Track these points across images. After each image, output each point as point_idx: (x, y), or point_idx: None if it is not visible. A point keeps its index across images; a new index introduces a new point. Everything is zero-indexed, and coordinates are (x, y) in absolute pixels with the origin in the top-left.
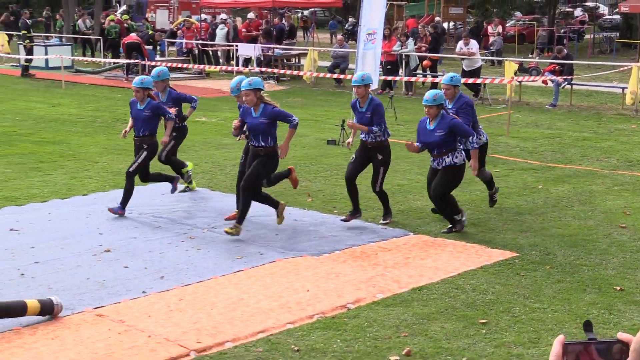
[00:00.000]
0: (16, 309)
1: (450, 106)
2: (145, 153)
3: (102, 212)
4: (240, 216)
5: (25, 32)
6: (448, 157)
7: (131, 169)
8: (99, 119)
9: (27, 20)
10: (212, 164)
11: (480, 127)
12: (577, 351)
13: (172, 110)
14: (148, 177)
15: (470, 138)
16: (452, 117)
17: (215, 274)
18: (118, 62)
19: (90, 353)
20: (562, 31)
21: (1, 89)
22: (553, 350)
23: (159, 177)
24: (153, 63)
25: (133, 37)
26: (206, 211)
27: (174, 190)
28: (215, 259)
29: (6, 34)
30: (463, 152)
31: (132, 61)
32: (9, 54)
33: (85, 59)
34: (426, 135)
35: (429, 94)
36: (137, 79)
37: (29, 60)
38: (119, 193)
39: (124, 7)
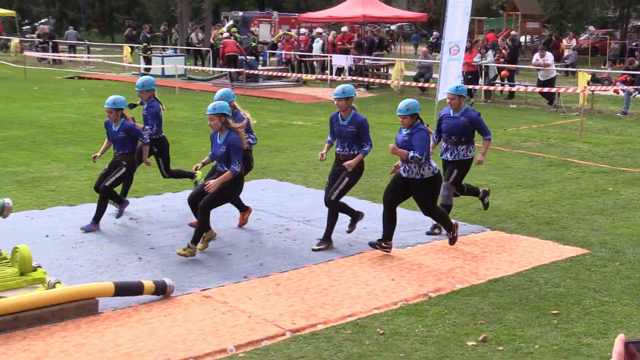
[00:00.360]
0: (135, 288)
1: (457, 115)
2: (123, 170)
3: None
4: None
5: (146, 44)
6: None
7: (107, 184)
8: (206, 123)
9: (147, 35)
10: (307, 164)
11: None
12: (637, 349)
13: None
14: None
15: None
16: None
17: (309, 263)
18: (224, 71)
19: (198, 330)
20: (633, 44)
21: (125, 95)
22: (615, 349)
23: (113, 196)
24: (256, 72)
25: (231, 49)
26: (302, 206)
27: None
28: (310, 248)
29: (129, 46)
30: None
31: (235, 70)
32: (131, 63)
33: (196, 68)
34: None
35: (402, 103)
36: (110, 99)
37: (147, 69)
38: None
39: (231, 22)
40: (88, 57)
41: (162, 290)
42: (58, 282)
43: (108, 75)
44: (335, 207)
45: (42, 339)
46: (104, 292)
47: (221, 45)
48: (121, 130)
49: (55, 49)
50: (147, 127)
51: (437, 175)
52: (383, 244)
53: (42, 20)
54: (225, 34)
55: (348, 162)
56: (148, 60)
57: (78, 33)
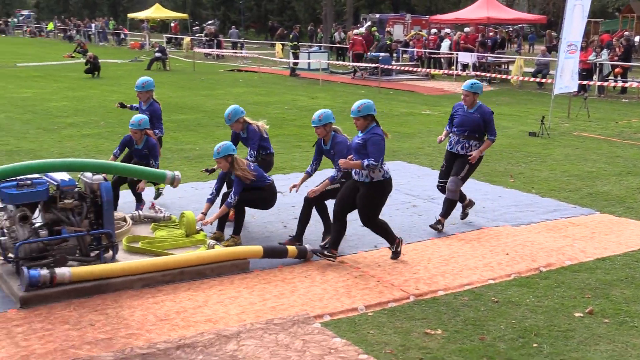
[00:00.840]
0: (281, 252)
1: (471, 110)
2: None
3: None
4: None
5: (295, 42)
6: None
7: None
8: (346, 110)
9: (297, 34)
10: (433, 148)
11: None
12: None
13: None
14: (117, 191)
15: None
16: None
17: (432, 236)
18: (361, 65)
19: (333, 290)
20: None
21: (276, 86)
22: None
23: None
24: (389, 66)
25: (358, 47)
26: (427, 186)
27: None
28: None
29: (281, 43)
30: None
31: (365, 65)
32: (281, 58)
33: (337, 62)
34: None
35: (355, 104)
36: (135, 120)
37: (296, 64)
38: None
39: (369, 23)
40: (246, 53)
41: (303, 255)
42: (216, 244)
43: (262, 69)
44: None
45: (203, 290)
46: (254, 254)
47: (351, 42)
48: (145, 148)
49: (219, 46)
50: (156, 132)
51: (387, 180)
52: (326, 252)
53: (209, 22)
54: (357, 30)
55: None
56: (296, 56)
57: (238, 32)
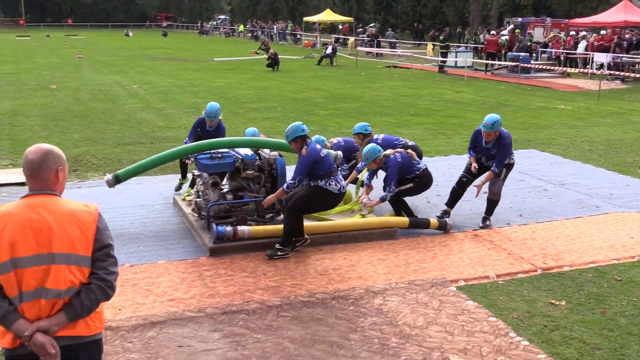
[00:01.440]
0: (423, 224)
1: (489, 146)
2: None
3: None
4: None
5: (445, 42)
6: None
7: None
8: (487, 102)
9: (447, 35)
10: (565, 139)
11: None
12: None
13: None
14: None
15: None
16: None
17: (560, 217)
18: (502, 64)
19: (468, 259)
20: None
21: (426, 80)
22: None
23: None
24: (528, 65)
25: (492, 47)
26: (558, 172)
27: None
28: (562, 206)
29: (432, 43)
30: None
31: (499, 63)
32: (432, 57)
33: (480, 61)
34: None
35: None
36: (212, 109)
37: (444, 62)
38: None
39: (512, 26)
40: (401, 52)
41: (443, 227)
42: (369, 213)
43: (414, 65)
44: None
45: (356, 252)
46: (401, 224)
47: (486, 42)
48: (215, 130)
49: (378, 46)
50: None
51: (329, 191)
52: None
53: (371, 25)
54: (495, 33)
55: (477, 185)
56: (445, 55)
57: (394, 34)
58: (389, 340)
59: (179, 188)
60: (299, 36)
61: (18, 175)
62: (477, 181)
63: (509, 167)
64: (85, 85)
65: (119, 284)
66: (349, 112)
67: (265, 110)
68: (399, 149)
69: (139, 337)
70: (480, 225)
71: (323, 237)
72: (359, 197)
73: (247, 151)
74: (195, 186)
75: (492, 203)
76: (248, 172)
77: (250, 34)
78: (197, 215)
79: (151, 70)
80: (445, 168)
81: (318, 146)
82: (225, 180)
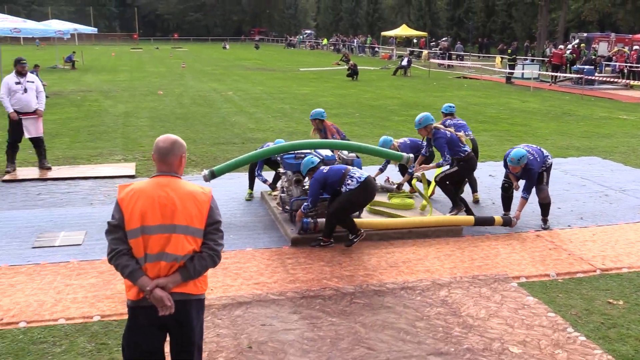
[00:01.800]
0: (488, 221)
1: (518, 174)
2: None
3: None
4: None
5: (513, 55)
6: None
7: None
8: (552, 112)
9: (514, 48)
10: (626, 148)
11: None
12: None
13: None
14: None
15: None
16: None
17: (620, 221)
18: (567, 76)
19: (530, 257)
20: None
21: (493, 90)
22: None
23: None
24: (592, 77)
25: (557, 59)
26: (619, 179)
27: None
28: (622, 211)
29: (500, 56)
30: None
31: (563, 75)
32: (500, 69)
33: (546, 73)
34: None
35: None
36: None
37: (511, 73)
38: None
39: (577, 40)
40: (471, 64)
41: (507, 223)
42: (435, 212)
43: (483, 76)
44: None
45: (425, 247)
46: (467, 222)
47: (551, 55)
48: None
49: (449, 58)
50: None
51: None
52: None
53: (443, 39)
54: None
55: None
56: (512, 67)
57: (463, 47)
58: (452, 330)
59: (249, 198)
60: (376, 49)
61: (129, 169)
62: (517, 212)
63: (548, 169)
64: (187, 91)
65: (211, 269)
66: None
67: (345, 115)
68: (450, 129)
69: (227, 314)
70: (542, 226)
71: (394, 232)
72: (415, 166)
73: (328, 152)
74: (280, 182)
75: (545, 206)
76: None
77: (332, 47)
78: (281, 208)
79: (244, 78)
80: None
81: (321, 168)
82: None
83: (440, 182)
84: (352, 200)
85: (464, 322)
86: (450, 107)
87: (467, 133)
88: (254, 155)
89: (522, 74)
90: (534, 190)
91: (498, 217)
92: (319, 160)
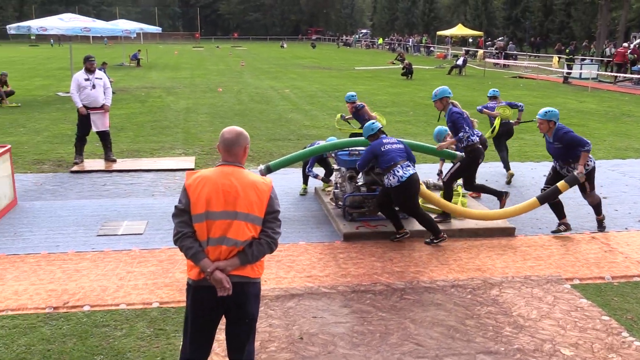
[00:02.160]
0: (555, 192)
1: (551, 140)
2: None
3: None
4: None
5: (571, 55)
6: None
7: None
8: (610, 112)
9: (573, 48)
10: None
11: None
12: None
13: None
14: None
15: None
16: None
17: None
18: (627, 76)
19: (584, 259)
20: None
21: (550, 90)
22: None
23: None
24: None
25: (619, 58)
26: None
27: None
28: None
29: (557, 56)
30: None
31: (623, 75)
32: (557, 68)
33: (605, 73)
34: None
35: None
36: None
37: (569, 73)
38: None
39: (638, 40)
40: (527, 63)
41: (574, 182)
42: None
43: (540, 76)
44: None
45: (476, 246)
46: (533, 206)
47: (615, 54)
48: (360, 118)
49: (506, 57)
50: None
51: (400, 184)
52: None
53: (499, 38)
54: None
55: (579, 172)
56: (570, 67)
57: (520, 47)
58: (503, 329)
59: (303, 193)
60: (432, 48)
61: (189, 162)
62: (580, 168)
63: (591, 172)
64: (245, 88)
65: (266, 259)
66: (474, 117)
67: (398, 114)
68: (467, 111)
69: (280, 306)
70: (598, 228)
71: (445, 230)
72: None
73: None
74: (334, 178)
75: (596, 206)
76: None
77: (388, 46)
78: (334, 204)
79: (300, 77)
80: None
81: (381, 141)
82: (360, 174)
83: (448, 183)
84: (393, 197)
85: (514, 322)
86: (495, 91)
87: (516, 105)
88: (310, 151)
89: (580, 74)
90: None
91: (562, 183)
92: (379, 127)
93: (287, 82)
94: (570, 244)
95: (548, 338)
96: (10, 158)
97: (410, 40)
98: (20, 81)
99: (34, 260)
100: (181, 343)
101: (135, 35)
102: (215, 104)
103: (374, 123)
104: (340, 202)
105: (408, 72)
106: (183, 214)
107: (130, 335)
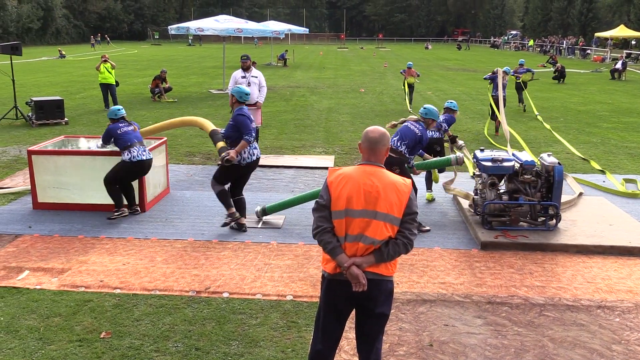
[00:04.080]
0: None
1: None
2: None
3: None
4: None
5: None
6: None
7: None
8: None
9: None
10: None
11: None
12: None
13: None
14: None
15: None
16: None
17: None
18: None
19: None
20: None
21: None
22: None
23: None
24: None
25: None
26: None
27: None
28: None
29: None
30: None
31: None
32: None
33: None
34: None
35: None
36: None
37: None
38: None
39: None
40: None
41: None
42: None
43: None
44: None
45: (629, 265)
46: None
47: None
48: None
49: None
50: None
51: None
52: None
53: None
54: None
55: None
56: None
57: None
58: None
59: (431, 199)
60: (588, 51)
61: (329, 161)
62: None
63: None
64: (387, 89)
65: (399, 262)
66: (634, 127)
67: (548, 120)
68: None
69: (411, 310)
70: None
71: (594, 246)
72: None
73: (527, 156)
74: (474, 185)
75: None
76: (526, 176)
77: (539, 49)
78: (473, 211)
79: (444, 79)
80: None
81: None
82: (502, 181)
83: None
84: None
85: None
86: (522, 61)
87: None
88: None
89: None
90: None
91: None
92: (436, 114)
93: (430, 84)
94: None
95: None
96: (166, 150)
97: (565, 42)
98: (177, 78)
99: (181, 246)
100: (311, 337)
101: (283, 36)
102: (357, 104)
103: (435, 111)
104: (479, 209)
105: (560, 75)
106: (323, 209)
107: (264, 324)
